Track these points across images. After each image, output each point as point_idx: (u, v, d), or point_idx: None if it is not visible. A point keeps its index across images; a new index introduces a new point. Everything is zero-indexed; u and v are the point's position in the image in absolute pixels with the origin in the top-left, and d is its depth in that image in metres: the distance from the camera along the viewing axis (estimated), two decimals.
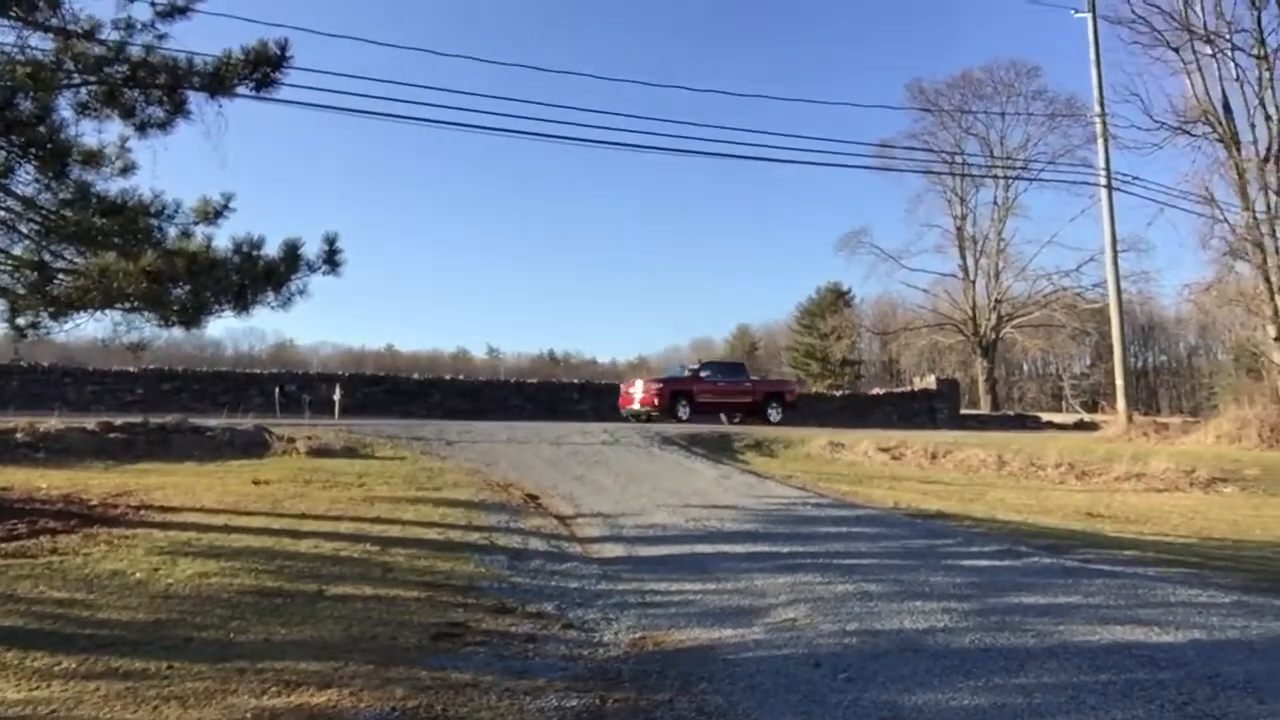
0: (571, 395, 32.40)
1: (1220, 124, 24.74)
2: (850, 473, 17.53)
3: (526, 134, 19.26)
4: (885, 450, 21.22)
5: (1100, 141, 27.42)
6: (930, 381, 37.36)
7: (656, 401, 26.76)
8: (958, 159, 50.58)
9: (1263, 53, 24.46)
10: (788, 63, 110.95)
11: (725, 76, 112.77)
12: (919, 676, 4.57)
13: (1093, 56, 27.30)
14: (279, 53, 8.56)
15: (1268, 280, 23.83)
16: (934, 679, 4.52)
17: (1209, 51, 24.92)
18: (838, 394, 37.09)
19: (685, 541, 8.91)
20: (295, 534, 7.91)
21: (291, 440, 15.41)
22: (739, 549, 8.49)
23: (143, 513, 8.68)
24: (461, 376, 32.84)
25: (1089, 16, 27.28)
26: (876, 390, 40.63)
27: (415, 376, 30.63)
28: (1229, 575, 7.90)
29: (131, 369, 26.52)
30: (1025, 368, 77.52)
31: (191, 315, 8.69)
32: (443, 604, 5.95)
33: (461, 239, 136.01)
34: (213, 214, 9.06)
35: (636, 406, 27.23)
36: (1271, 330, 24.09)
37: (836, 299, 70.07)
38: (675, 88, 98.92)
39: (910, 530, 10.06)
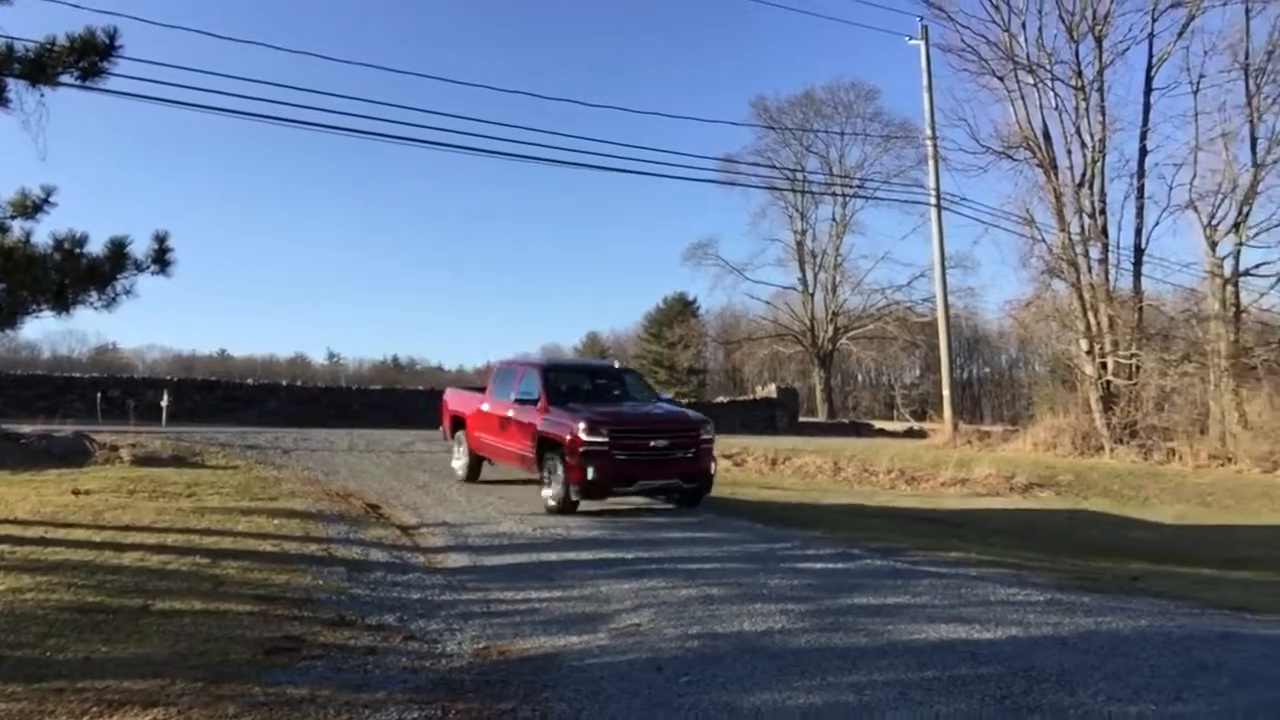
0: (418, 402, 31.74)
1: (1040, 150, 26.25)
2: None
3: (365, 134, 18.48)
4: (728, 456, 21.65)
5: (931, 163, 28.81)
6: (771, 390, 38.36)
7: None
8: (799, 176, 52.02)
9: (1080, 84, 26.09)
10: (635, 79, 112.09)
11: (576, 87, 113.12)
12: (757, 677, 4.70)
13: (925, 82, 28.75)
14: (107, 41, 8.16)
15: (1081, 298, 25.42)
16: (772, 679, 4.66)
17: (1031, 81, 26.42)
18: (683, 401, 37.52)
19: (532, 550, 8.90)
20: (119, 547, 7.53)
21: (115, 448, 14.63)
22: (586, 556, 8.53)
23: None
24: (300, 382, 31.61)
25: (921, 44, 28.68)
26: (720, 398, 41.54)
27: (250, 382, 29.38)
28: (1045, 575, 8.43)
29: None
30: (860, 378, 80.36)
31: (6, 316, 8.18)
32: (278, 618, 5.77)
33: (300, 240, 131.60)
34: (31, 208, 8.50)
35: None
36: (1084, 344, 25.72)
37: (683, 309, 70.96)
38: (519, 93, 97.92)
39: (751, 535, 10.32)
